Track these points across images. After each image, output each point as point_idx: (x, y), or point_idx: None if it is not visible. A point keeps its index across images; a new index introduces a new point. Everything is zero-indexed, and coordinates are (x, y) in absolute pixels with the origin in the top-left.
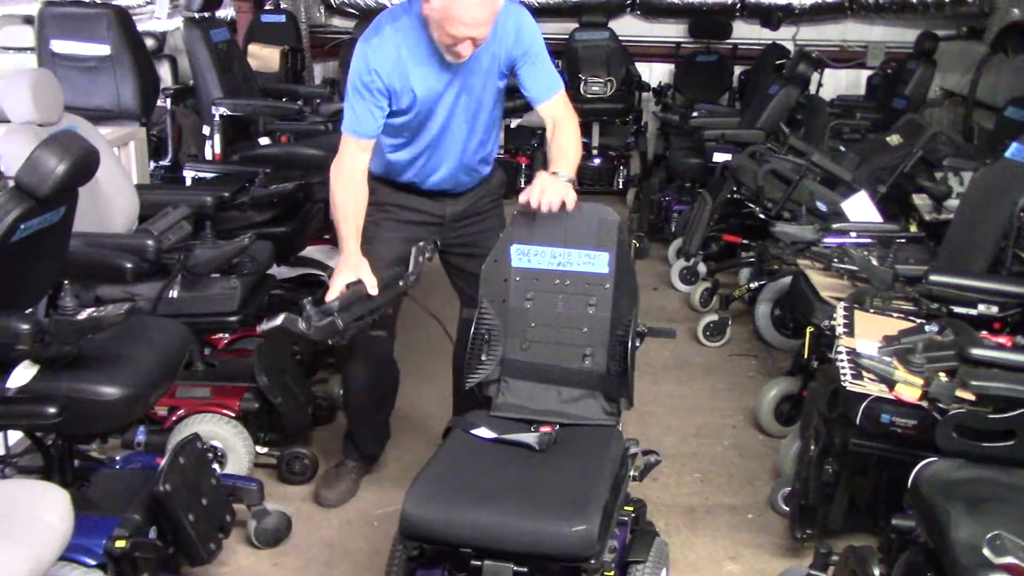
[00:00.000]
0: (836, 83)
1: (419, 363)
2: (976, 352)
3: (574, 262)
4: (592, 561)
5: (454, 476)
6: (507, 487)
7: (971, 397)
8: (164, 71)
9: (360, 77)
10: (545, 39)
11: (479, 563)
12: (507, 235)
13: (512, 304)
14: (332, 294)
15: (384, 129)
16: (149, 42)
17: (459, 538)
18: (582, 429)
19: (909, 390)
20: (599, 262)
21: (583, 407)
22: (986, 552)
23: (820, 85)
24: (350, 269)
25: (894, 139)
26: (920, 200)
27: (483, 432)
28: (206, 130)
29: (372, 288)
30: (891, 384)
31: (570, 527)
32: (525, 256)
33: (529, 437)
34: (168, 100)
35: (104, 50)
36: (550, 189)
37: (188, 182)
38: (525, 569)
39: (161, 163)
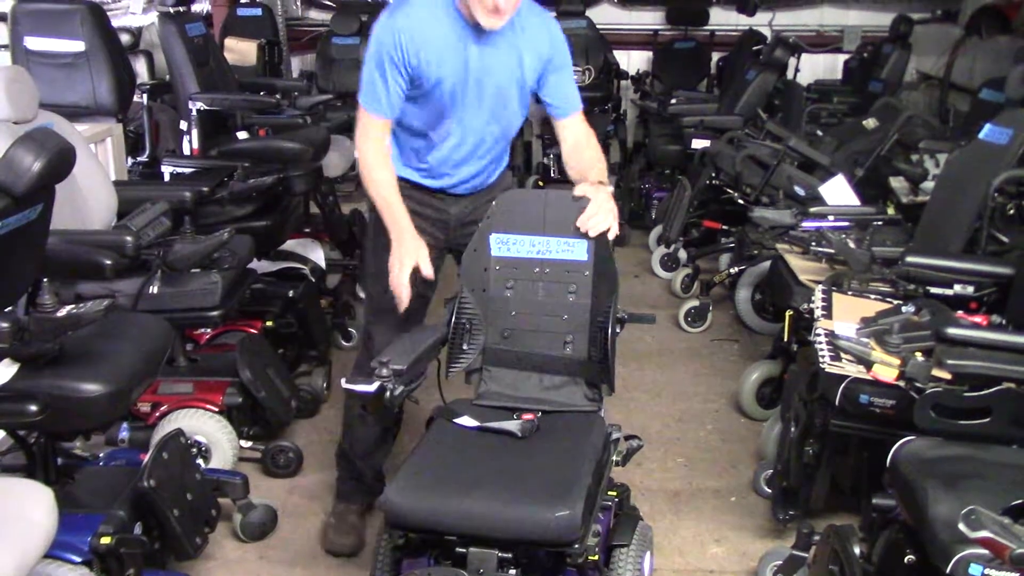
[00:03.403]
0: (813, 68)
1: None
2: (952, 332)
3: (553, 250)
4: (576, 545)
5: (438, 465)
6: (491, 474)
7: (947, 376)
8: (140, 66)
9: (386, 50)
10: None
11: (464, 550)
12: (486, 224)
13: (492, 293)
14: (399, 288)
15: (403, 113)
16: (124, 38)
17: (444, 526)
18: (565, 416)
19: (886, 370)
20: (578, 249)
21: (565, 394)
22: (962, 527)
23: (797, 70)
24: (410, 254)
25: (871, 123)
26: (897, 183)
27: (466, 421)
28: (183, 125)
29: (428, 272)
30: (869, 365)
31: (553, 512)
32: (504, 245)
33: (512, 425)
34: (145, 96)
35: (79, 46)
36: (608, 212)
37: (166, 178)
38: (510, 555)
39: (139, 159)
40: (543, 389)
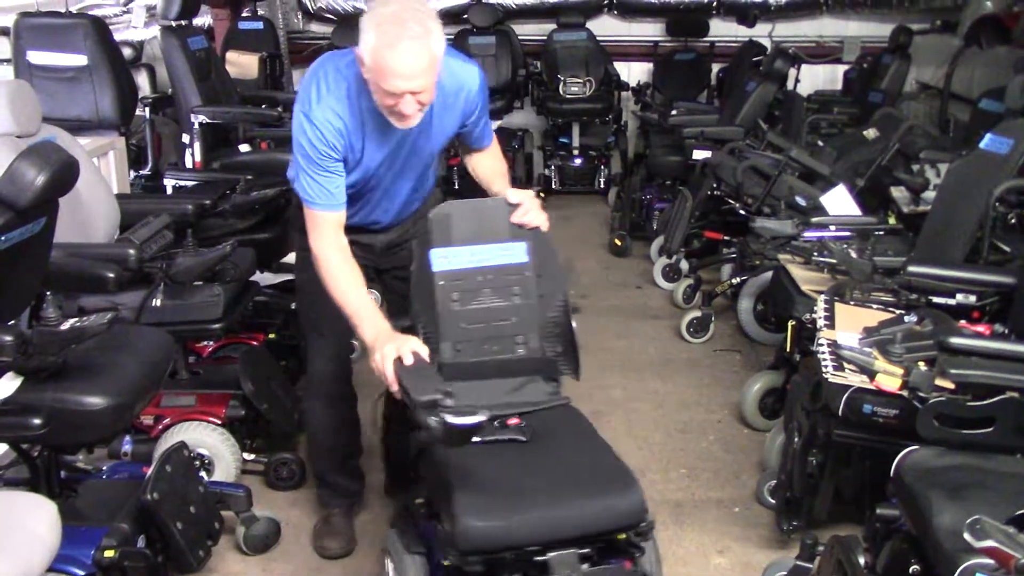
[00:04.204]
0: (813, 78)
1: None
2: (954, 341)
3: (493, 256)
4: (643, 523)
5: (481, 483)
6: (540, 479)
7: (950, 385)
8: (142, 80)
9: (315, 148)
10: (523, 41)
11: (543, 557)
12: (424, 241)
13: (441, 308)
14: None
15: None
16: (126, 51)
17: (529, 538)
18: (541, 413)
19: (889, 380)
20: (517, 252)
21: (528, 393)
22: (967, 536)
23: (797, 81)
24: (401, 342)
25: (871, 133)
26: (898, 192)
27: None
28: (186, 138)
29: (427, 355)
30: (872, 374)
31: (626, 498)
32: (445, 259)
33: (512, 431)
34: (147, 109)
35: (81, 60)
36: (539, 209)
37: (169, 191)
38: (587, 550)
39: (141, 172)
40: (506, 393)
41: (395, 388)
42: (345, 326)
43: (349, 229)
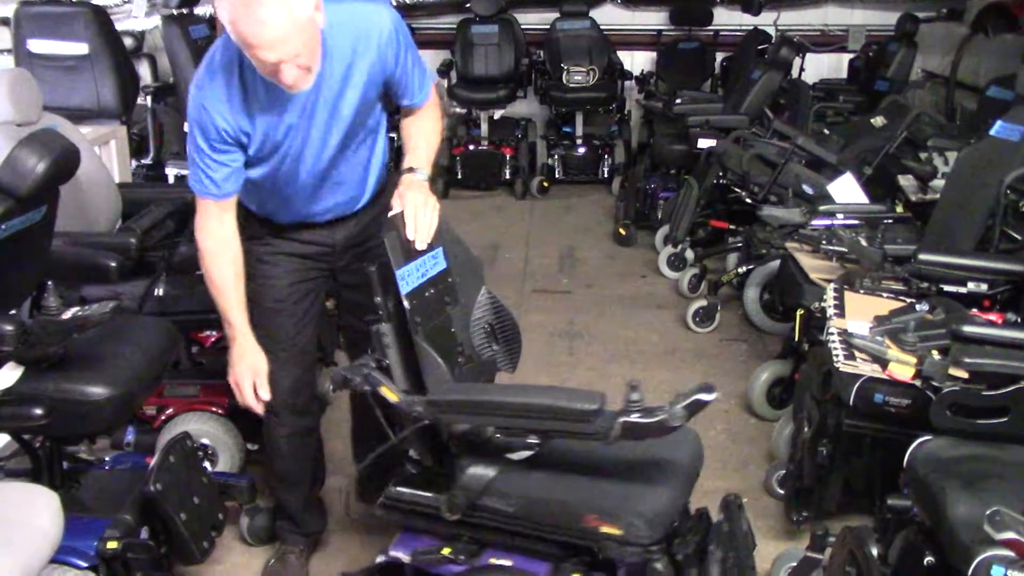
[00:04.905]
0: (818, 67)
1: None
2: (968, 330)
3: (429, 268)
4: None
5: (603, 478)
6: (627, 452)
7: (964, 375)
8: (144, 69)
9: (203, 131)
10: (526, 29)
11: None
12: (390, 264)
13: (416, 336)
14: (249, 404)
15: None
16: (128, 41)
17: (683, 500)
18: None
19: (902, 369)
20: (439, 259)
21: None
22: (987, 528)
23: (802, 69)
24: (249, 375)
25: (878, 121)
26: (906, 181)
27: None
28: (187, 127)
29: (265, 393)
30: (884, 364)
31: (694, 435)
32: (407, 280)
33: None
34: (148, 98)
35: (82, 49)
36: (424, 211)
37: (171, 180)
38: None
39: (143, 161)
40: None
41: (259, 410)
42: (304, 340)
43: (300, 227)
